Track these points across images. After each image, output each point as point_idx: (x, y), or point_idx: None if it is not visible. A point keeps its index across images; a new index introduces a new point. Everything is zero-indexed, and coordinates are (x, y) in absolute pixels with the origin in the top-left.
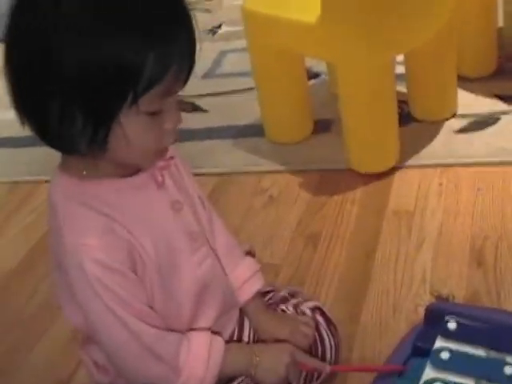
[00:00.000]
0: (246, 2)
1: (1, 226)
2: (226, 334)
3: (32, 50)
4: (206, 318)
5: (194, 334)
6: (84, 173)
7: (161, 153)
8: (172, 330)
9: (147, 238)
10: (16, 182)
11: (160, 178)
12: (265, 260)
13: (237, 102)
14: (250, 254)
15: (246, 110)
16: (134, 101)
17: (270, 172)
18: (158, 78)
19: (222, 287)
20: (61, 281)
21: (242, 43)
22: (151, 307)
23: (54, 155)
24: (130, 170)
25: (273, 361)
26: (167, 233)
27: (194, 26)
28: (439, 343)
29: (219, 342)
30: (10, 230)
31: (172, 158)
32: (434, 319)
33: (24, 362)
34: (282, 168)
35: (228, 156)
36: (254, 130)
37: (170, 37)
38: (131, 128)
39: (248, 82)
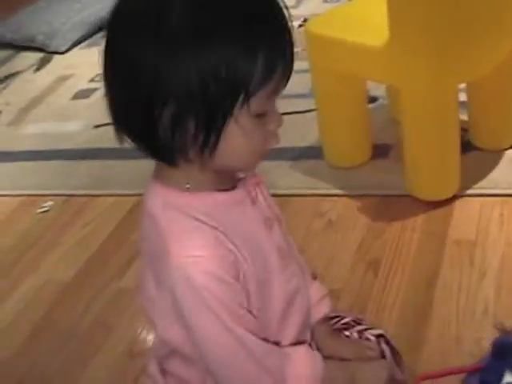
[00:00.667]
0: (310, 24)
1: (55, 240)
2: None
3: (140, 65)
4: (289, 335)
5: (292, 348)
6: (187, 186)
7: (263, 155)
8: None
9: (247, 252)
10: (71, 195)
11: (254, 194)
12: (325, 284)
13: (295, 124)
14: (314, 277)
15: (305, 132)
16: (246, 102)
17: (329, 195)
18: (267, 77)
19: (305, 306)
20: (157, 295)
21: (301, 64)
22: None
23: (110, 169)
24: (228, 185)
25: (372, 377)
26: (262, 248)
27: (290, 25)
28: (508, 378)
29: (318, 357)
30: (64, 243)
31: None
32: (501, 353)
33: (79, 377)
34: (340, 192)
35: (286, 178)
36: (313, 153)
37: (275, 37)
38: (241, 130)
39: (307, 104)
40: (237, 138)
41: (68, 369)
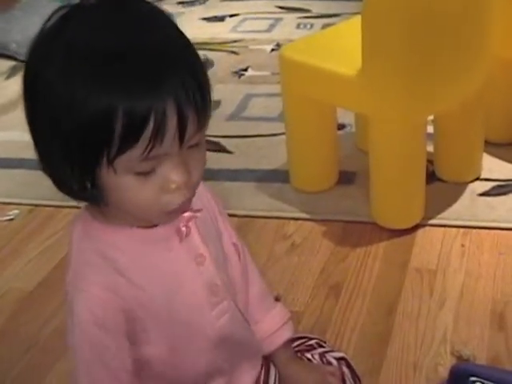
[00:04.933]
0: (284, 49)
1: (20, 248)
2: (249, 382)
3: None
4: (223, 371)
5: None
6: (105, 218)
7: (171, 213)
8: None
9: (160, 294)
10: (37, 205)
11: (184, 230)
12: (286, 307)
13: (262, 147)
14: (276, 299)
15: (271, 155)
16: (110, 162)
17: (293, 219)
18: (130, 139)
19: (242, 340)
20: None
21: (268, 88)
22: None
23: None
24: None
25: None
26: (184, 288)
27: (190, 78)
28: None
29: None
30: (29, 252)
31: (200, 210)
32: (458, 380)
33: None
34: (305, 216)
35: (251, 199)
36: (279, 176)
37: (141, 93)
38: (115, 187)
39: (274, 128)
40: (121, 193)
41: (27, 377)
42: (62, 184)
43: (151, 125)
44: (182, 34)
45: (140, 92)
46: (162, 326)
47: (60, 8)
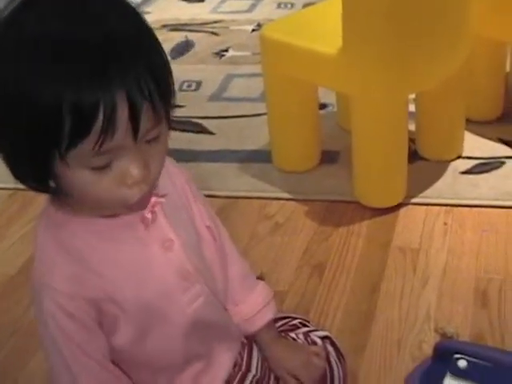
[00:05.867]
0: (265, 29)
1: (1, 233)
2: (226, 366)
3: None
4: (200, 355)
5: None
6: (69, 208)
7: (131, 206)
8: (167, 367)
9: (127, 283)
10: (17, 189)
11: (149, 216)
12: (270, 286)
13: (244, 127)
14: (260, 278)
15: (254, 136)
16: (61, 157)
17: (276, 199)
18: (79, 133)
19: (217, 324)
20: None
21: (249, 68)
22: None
23: None
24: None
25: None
26: (153, 275)
27: (139, 69)
28: (448, 381)
29: None
30: (10, 236)
31: (164, 195)
32: (443, 357)
33: (20, 372)
34: (288, 196)
35: (234, 180)
36: (261, 156)
37: (88, 84)
38: (72, 181)
39: (255, 108)
40: (78, 186)
41: (9, 363)
42: (20, 176)
43: (100, 117)
44: (141, 24)
45: (87, 83)
46: (131, 314)
47: None
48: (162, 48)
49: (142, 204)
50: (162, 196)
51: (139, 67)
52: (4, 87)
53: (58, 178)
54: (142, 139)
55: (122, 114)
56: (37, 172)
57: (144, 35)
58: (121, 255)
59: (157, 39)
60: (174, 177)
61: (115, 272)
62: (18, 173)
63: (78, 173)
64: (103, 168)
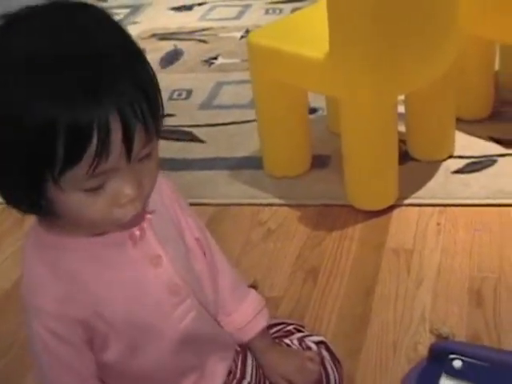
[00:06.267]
0: (252, 35)
1: None
2: (221, 375)
3: None
4: (194, 367)
5: None
6: (57, 229)
7: (123, 224)
8: (161, 381)
9: (117, 301)
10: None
11: (137, 233)
12: (264, 292)
13: (234, 134)
14: (253, 287)
15: (244, 143)
16: (54, 180)
17: (269, 205)
18: (73, 157)
19: (209, 336)
20: None
21: (238, 75)
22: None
23: None
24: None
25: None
26: (143, 292)
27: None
28: (444, 381)
29: None
30: (3, 251)
31: (152, 211)
32: (438, 357)
33: (21, 381)
34: (280, 201)
35: (225, 187)
36: (252, 163)
37: (80, 105)
38: (64, 203)
39: (245, 115)
40: (70, 208)
41: (7, 376)
42: (9, 198)
43: (94, 141)
44: (129, 41)
45: (81, 103)
46: (121, 332)
47: (1, 16)
48: (149, 64)
49: (134, 221)
50: (151, 212)
51: (130, 85)
52: None
53: (49, 200)
54: (134, 159)
55: (116, 136)
56: (28, 195)
57: (133, 51)
58: (110, 274)
59: (144, 57)
60: (160, 189)
61: (104, 291)
62: (8, 196)
63: (71, 195)
64: (96, 189)
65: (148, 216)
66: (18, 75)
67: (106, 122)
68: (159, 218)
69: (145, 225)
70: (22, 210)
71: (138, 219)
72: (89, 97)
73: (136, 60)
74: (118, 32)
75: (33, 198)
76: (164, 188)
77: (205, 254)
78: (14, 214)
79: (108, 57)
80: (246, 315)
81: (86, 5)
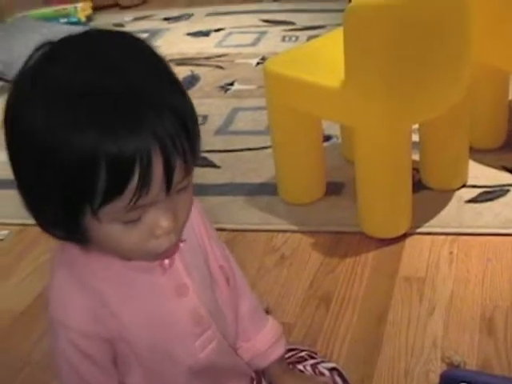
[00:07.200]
0: (268, 62)
1: (10, 269)
2: None
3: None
4: None
5: None
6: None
7: (157, 256)
8: None
9: (141, 326)
10: (27, 225)
11: (167, 262)
12: (277, 318)
13: (250, 160)
14: (266, 312)
15: (259, 169)
16: (93, 213)
17: (283, 231)
18: (115, 190)
19: (227, 366)
20: None
21: (254, 102)
22: None
23: None
24: None
25: None
26: (167, 321)
27: (173, 128)
28: None
29: None
30: (19, 272)
31: (183, 240)
32: None
33: None
34: (294, 228)
35: (240, 213)
36: (268, 189)
37: (123, 139)
38: (100, 234)
39: (261, 141)
40: (105, 239)
41: None
42: (45, 226)
43: (136, 175)
44: (168, 72)
45: (120, 137)
46: (142, 357)
47: (43, 45)
48: (188, 96)
49: (168, 253)
50: (182, 241)
51: (170, 117)
52: (37, 137)
53: (85, 230)
54: (173, 191)
55: (157, 169)
56: (64, 223)
57: (173, 84)
58: (136, 299)
59: (183, 88)
60: (191, 216)
61: (130, 315)
62: (44, 222)
63: (108, 227)
64: (134, 221)
65: (179, 245)
66: (60, 106)
67: (148, 155)
68: (188, 245)
69: (176, 255)
70: (58, 237)
71: (172, 250)
72: (130, 130)
73: (175, 91)
74: (158, 62)
75: (70, 228)
76: (194, 214)
77: (228, 281)
78: (30, 235)
79: (149, 89)
80: (266, 341)
81: (124, 33)
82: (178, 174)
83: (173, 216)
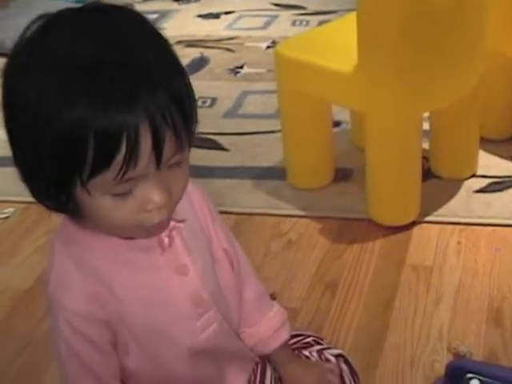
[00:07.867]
0: (279, 46)
1: (15, 246)
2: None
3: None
4: (212, 378)
5: None
6: (87, 226)
7: (148, 230)
8: None
9: (137, 306)
10: (32, 203)
11: (166, 241)
12: (283, 303)
13: (258, 144)
14: (271, 298)
15: (268, 152)
16: (82, 185)
17: (290, 216)
18: (102, 163)
19: (229, 349)
20: None
21: (263, 85)
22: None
23: None
24: None
25: None
26: (166, 300)
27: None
28: None
29: None
30: (23, 250)
31: (183, 220)
32: (455, 376)
33: (37, 382)
34: (301, 213)
35: (247, 196)
36: (275, 173)
37: (112, 111)
38: (91, 206)
39: (270, 125)
40: (96, 211)
41: (24, 377)
42: (38, 197)
43: (123, 148)
44: (167, 50)
45: (109, 111)
46: (141, 338)
47: (40, 17)
48: (185, 73)
49: (159, 228)
50: (181, 221)
51: (163, 94)
52: (30, 105)
53: (77, 202)
54: (163, 166)
55: (146, 143)
56: (56, 194)
57: (171, 61)
58: (136, 279)
59: (181, 65)
60: (191, 196)
61: (129, 295)
62: (35, 191)
63: (98, 199)
64: (124, 194)
65: (178, 225)
66: (55, 77)
67: (135, 129)
68: (189, 227)
69: (174, 233)
70: (49, 207)
71: (163, 226)
72: (121, 104)
73: (173, 68)
74: (156, 38)
75: (61, 199)
76: (195, 197)
77: (232, 265)
78: (36, 213)
79: (145, 64)
80: (271, 327)
81: (123, 8)
82: (168, 148)
83: (165, 191)
